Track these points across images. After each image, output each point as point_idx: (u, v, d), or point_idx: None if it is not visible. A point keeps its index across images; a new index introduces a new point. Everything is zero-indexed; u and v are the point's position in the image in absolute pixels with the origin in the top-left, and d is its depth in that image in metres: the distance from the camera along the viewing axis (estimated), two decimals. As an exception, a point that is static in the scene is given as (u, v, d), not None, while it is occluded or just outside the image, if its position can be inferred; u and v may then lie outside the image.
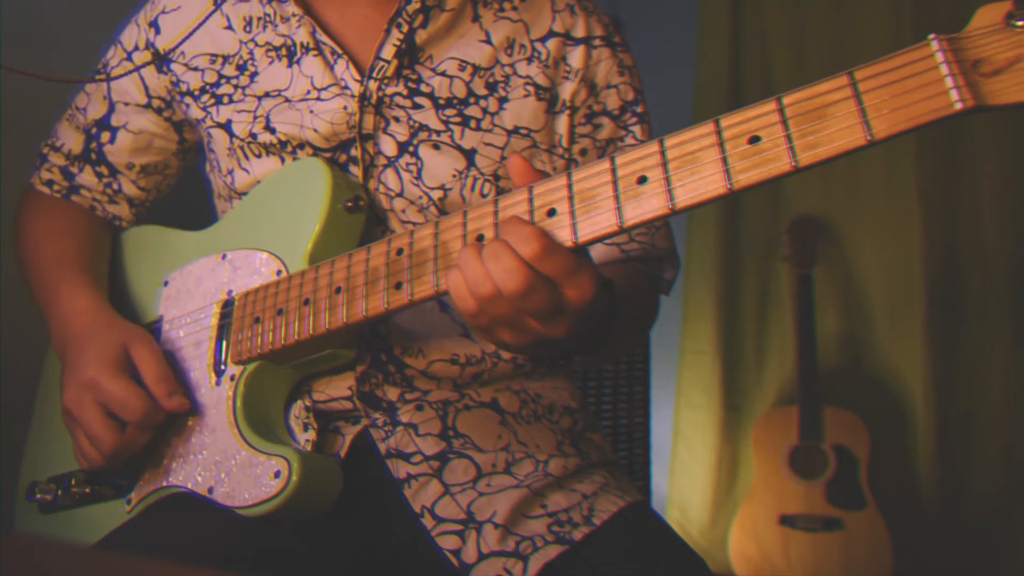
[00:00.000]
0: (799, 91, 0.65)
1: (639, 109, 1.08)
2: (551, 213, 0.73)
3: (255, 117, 1.02)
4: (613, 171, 0.71)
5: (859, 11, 2.59)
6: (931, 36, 0.61)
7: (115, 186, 1.17)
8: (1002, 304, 2.42)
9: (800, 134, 0.64)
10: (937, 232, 2.44)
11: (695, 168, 0.68)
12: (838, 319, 2.61)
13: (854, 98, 0.63)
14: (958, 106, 0.59)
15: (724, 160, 0.66)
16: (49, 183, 1.17)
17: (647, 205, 0.69)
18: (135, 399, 0.90)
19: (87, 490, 1.01)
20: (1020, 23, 0.59)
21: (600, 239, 0.71)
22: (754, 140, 0.65)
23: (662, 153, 0.69)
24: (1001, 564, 2.35)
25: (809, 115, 0.64)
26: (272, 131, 1.01)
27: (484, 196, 1.01)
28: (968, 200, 2.46)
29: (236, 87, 1.04)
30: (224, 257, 1.01)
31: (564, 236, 0.72)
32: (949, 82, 0.60)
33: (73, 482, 1.02)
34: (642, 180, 0.70)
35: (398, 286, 0.81)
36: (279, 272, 0.94)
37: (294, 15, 1.01)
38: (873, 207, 2.56)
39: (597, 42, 1.05)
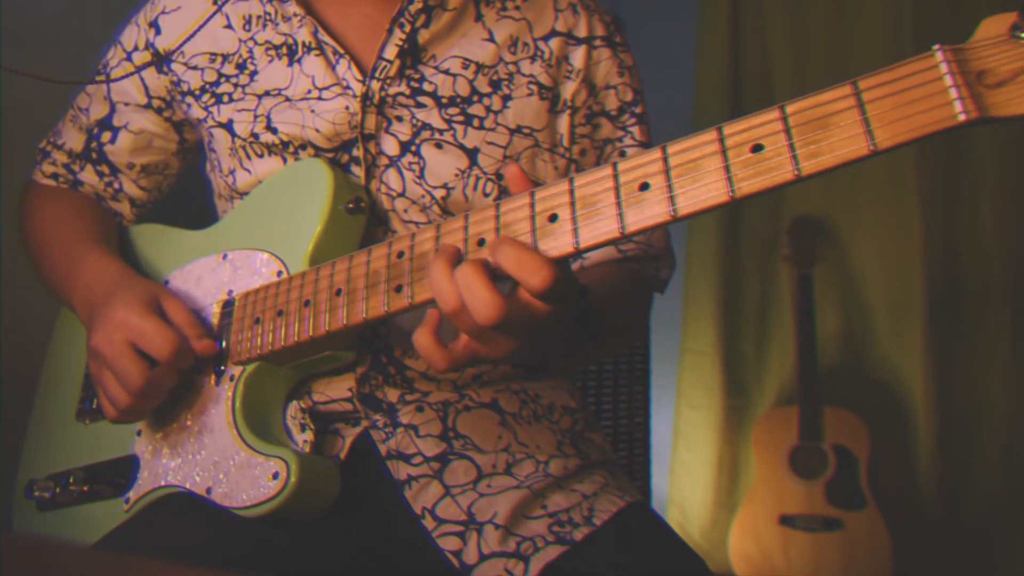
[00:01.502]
0: (802, 100, 0.64)
1: (638, 110, 1.08)
2: (553, 218, 0.73)
3: (256, 116, 1.02)
4: (615, 177, 0.71)
5: (859, 11, 2.59)
6: (935, 47, 0.61)
7: (116, 185, 1.17)
8: (1002, 304, 2.42)
9: (803, 143, 0.63)
10: (937, 232, 2.44)
11: (697, 176, 0.67)
12: (838, 319, 2.61)
13: (857, 107, 0.62)
14: (961, 117, 0.59)
15: (727, 168, 0.66)
16: (54, 176, 1.18)
17: (649, 212, 0.69)
18: (167, 333, 0.90)
19: (85, 488, 1.01)
20: None
21: (601, 245, 0.71)
22: (757, 148, 0.65)
23: (664, 160, 0.69)
24: (1001, 564, 2.35)
25: (812, 124, 0.63)
26: (274, 131, 1.01)
27: (487, 195, 1.01)
28: (968, 200, 2.46)
29: (236, 86, 1.03)
30: (225, 257, 1.01)
31: (565, 242, 0.72)
32: (953, 93, 0.59)
33: (72, 480, 1.02)
34: (644, 187, 0.69)
35: (399, 289, 0.80)
36: (280, 273, 0.94)
37: (295, 15, 1.01)
38: (873, 207, 2.56)
39: (598, 42, 1.05)
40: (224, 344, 0.95)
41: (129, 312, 0.91)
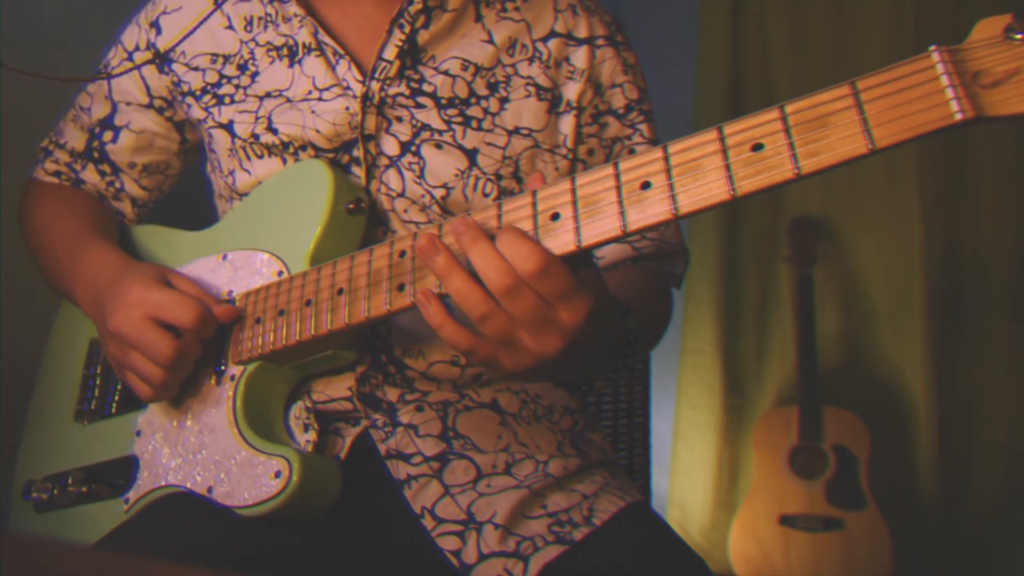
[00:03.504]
0: (802, 99, 0.65)
1: (644, 107, 1.09)
2: (555, 217, 0.73)
3: (257, 118, 1.02)
4: (617, 176, 0.71)
5: (859, 12, 2.59)
6: (932, 48, 0.62)
7: (117, 184, 1.17)
8: (1002, 304, 2.42)
9: (802, 142, 0.64)
10: (937, 232, 2.44)
11: (698, 175, 0.68)
12: (838, 319, 2.61)
13: (856, 107, 0.63)
14: (958, 116, 0.60)
15: (727, 167, 0.67)
16: (56, 174, 1.18)
17: (650, 211, 0.69)
18: (188, 301, 0.89)
19: (84, 489, 1.01)
20: (1019, 36, 0.60)
21: (604, 243, 0.71)
22: (757, 147, 0.66)
23: (665, 159, 0.70)
24: (1001, 564, 2.35)
25: (811, 123, 0.64)
26: (274, 132, 1.01)
27: (486, 195, 1.01)
28: (968, 200, 2.46)
29: (237, 87, 1.03)
30: (225, 257, 1.01)
31: (567, 240, 0.72)
32: (949, 93, 0.60)
33: (70, 481, 1.02)
34: (645, 186, 0.70)
35: (400, 287, 0.80)
36: (280, 273, 0.94)
37: (296, 15, 1.01)
38: (873, 207, 2.56)
39: (600, 42, 1.05)
40: (224, 344, 0.95)
41: (144, 289, 0.91)
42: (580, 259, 0.74)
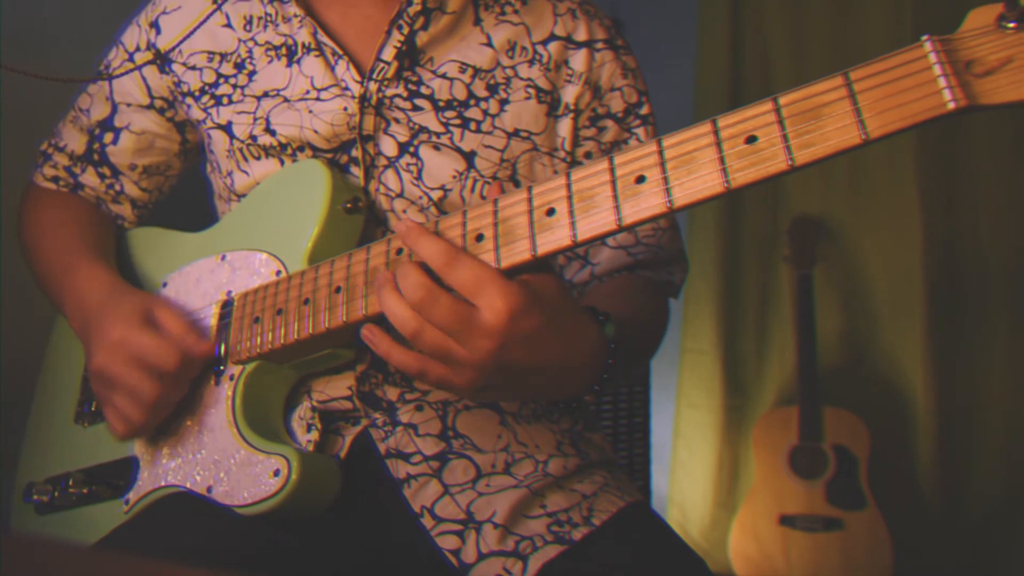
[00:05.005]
0: (795, 91, 0.66)
1: (643, 111, 1.08)
2: (550, 212, 0.73)
3: (255, 119, 1.02)
4: (612, 171, 0.72)
5: (860, 12, 2.59)
6: (924, 37, 0.63)
7: (117, 187, 1.17)
8: (1002, 304, 2.42)
9: (796, 133, 0.65)
10: (937, 232, 2.44)
11: (693, 167, 0.68)
12: (838, 319, 2.61)
13: (849, 98, 0.63)
14: (951, 106, 0.60)
15: (721, 159, 0.67)
16: (55, 179, 1.18)
17: (645, 204, 0.70)
18: (169, 347, 0.90)
19: (85, 491, 1.01)
20: (1011, 25, 0.60)
21: (599, 237, 0.72)
22: (751, 140, 0.66)
23: (660, 153, 0.70)
24: (1001, 564, 2.35)
25: (805, 115, 0.65)
26: (272, 133, 1.01)
27: (483, 197, 1.01)
28: (968, 200, 2.46)
29: (235, 87, 1.04)
30: (223, 258, 1.01)
31: (563, 235, 0.72)
32: (942, 82, 0.61)
33: (71, 483, 1.02)
34: (640, 180, 0.70)
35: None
36: (279, 272, 0.94)
37: (295, 15, 1.01)
38: (874, 207, 2.55)
39: (600, 45, 1.05)
40: (223, 345, 0.95)
41: (127, 329, 0.92)
42: (532, 267, 0.74)
